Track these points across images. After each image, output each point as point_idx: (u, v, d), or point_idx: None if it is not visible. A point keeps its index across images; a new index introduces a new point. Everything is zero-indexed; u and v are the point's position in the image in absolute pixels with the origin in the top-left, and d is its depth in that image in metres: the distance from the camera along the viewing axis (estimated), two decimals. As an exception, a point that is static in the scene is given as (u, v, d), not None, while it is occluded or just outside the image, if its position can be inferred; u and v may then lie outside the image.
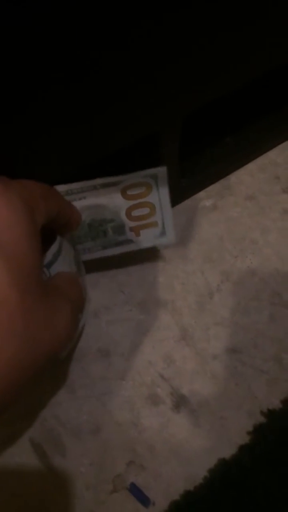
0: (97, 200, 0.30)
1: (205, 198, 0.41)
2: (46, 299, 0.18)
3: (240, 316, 0.34)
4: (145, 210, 0.32)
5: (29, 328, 0.17)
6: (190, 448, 0.29)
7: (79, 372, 0.31)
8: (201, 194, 0.41)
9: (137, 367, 0.32)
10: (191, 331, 0.33)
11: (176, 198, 0.39)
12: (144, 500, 0.27)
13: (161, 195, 0.32)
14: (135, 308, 0.35)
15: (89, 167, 0.29)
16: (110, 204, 0.31)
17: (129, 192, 0.31)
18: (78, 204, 0.30)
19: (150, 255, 0.37)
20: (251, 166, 0.43)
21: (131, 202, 0.32)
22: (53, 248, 0.27)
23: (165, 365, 0.32)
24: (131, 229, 0.33)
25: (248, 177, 0.42)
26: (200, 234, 0.38)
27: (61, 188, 0.29)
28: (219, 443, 0.29)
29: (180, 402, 0.30)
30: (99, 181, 0.29)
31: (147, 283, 0.36)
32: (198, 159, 0.41)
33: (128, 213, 0.32)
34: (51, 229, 0.23)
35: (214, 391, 0.31)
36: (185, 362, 0.32)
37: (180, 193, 0.40)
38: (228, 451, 0.29)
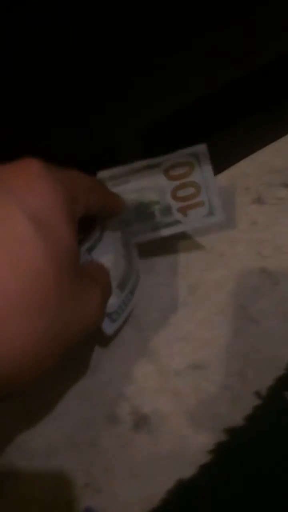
0: (141, 183, 0.31)
1: (173, 210, 0.40)
2: (80, 280, 0.19)
3: (204, 331, 0.33)
4: (190, 190, 0.33)
5: (62, 304, 0.17)
6: (149, 469, 0.28)
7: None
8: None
9: (96, 385, 0.31)
10: (154, 347, 0.33)
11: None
12: (100, 524, 0.26)
13: (204, 174, 0.32)
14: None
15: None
16: (154, 186, 0.32)
17: (172, 173, 0.32)
18: (123, 188, 0.31)
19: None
20: (221, 177, 0.43)
21: (175, 183, 0.32)
22: (95, 234, 0.27)
23: (126, 383, 0.31)
24: (178, 210, 0.33)
25: (217, 188, 0.42)
26: (166, 247, 0.37)
27: (105, 174, 0.30)
28: (179, 463, 0.28)
29: (140, 421, 0.30)
30: (140, 163, 0.30)
31: (111, 298, 0.35)
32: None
33: (173, 194, 0.32)
34: (93, 215, 0.24)
35: (176, 409, 0.30)
36: (147, 379, 0.31)
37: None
38: (188, 471, 0.28)
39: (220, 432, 0.29)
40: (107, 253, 0.28)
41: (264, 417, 0.29)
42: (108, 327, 0.29)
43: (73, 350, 0.19)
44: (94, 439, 0.29)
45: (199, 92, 0.32)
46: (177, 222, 0.33)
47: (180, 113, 0.36)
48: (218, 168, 0.43)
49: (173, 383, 0.31)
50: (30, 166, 0.19)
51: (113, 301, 0.29)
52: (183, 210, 0.33)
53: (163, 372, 0.31)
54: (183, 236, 0.39)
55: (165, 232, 0.34)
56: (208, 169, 0.32)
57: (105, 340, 0.33)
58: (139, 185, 0.32)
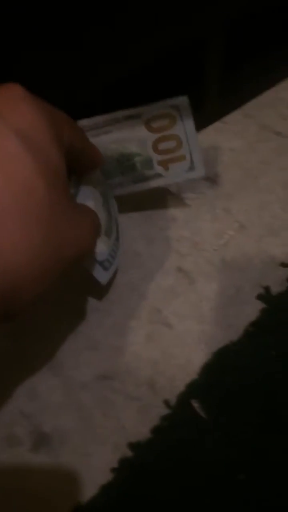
0: (122, 134, 0.31)
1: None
2: (71, 206, 0.20)
3: (115, 338, 0.31)
4: (172, 144, 0.32)
5: (57, 220, 0.18)
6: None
7: None
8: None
9: (-5, 404, 0.29)
10: (61, 359, 0.31)
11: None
12: None
13: (186, 127, 0.31)
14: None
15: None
16: (136, 138, 0.31)
17: (153, 125, 0.31)
18: (104, 138, 0.30)
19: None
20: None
21: (156, 135, 0.31)
22: (71, 185, 0.26)
23: (28, 399, 0.29)
24: (159, 163, 0.32)
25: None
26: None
27: (85, 122, 0.29)
28: (81, 484, 0.26)
29: (40, 441, 0.28)
30: (121, 113, 0.30)
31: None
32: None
33: (154, 147, 0.32)
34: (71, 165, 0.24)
35: (79, 424, 0.28)
36: (50, 394, 0.29)
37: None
38: (90, 493, 0.26)
39: (125, 448, 0.27)
40: (88, 201, 0.27)
41: (170, 428, 0.27)
42: (102, 276, 0.28)
43: (68, 272, 0.19)
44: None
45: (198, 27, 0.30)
46: (158, 175, 0.33)
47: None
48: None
49: (77, 396, 0.29)
50: (15, 90, 0.19)
51: (102, 248, 0.28)
52: (164, 164, 0.32)
53: (68, 385, 0.29)
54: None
55: (146, 185, 0.33)
56: (189, 122, 0.31)
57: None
58: (120, 136, 0.31)
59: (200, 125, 0.43)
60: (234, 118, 0.45)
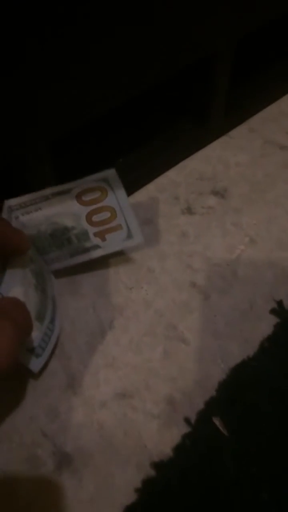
0: (54, 209, 0.30)
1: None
2: None
3: (132, 355, 0.32)
4: (106, 214, 0.32)
5: None
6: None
7: None
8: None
9: (16, 424, 0.28)
10: (80, 377, 0.31)
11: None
12: None
13: (118, 198, 0.31)
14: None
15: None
16: (68, 212, 0.31)
17: (84, 198, 0.30)
18: (35, 216, 0.30)
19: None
20: (150, 187, 0.41)
21: (89, 208, 0.31)
22: None
23: (49, 420, 0.29)
24: (96, 234, 0.32)
25: (146, 199, 0.40)
26: (92, 265, 0.35)
27: (12, 202, 0.28)
28: (104, 505, 0.26)
29: (62, 462, 0.27)
30: (49, 190, 0.29)
31: (33, 326, 0.33)
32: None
33: (88, 219, 0.31)
34: None
35: (101, 444, 0.28)
36: (71, 414, 0.29)
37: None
38: (114, 514, 0.26)
39: (148, 467, 0.27)
40: (15, 287, 0.26)
41: (192, 446, 0.27)
42: (33, 364, 0.27)
43: None
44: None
45: (115, 99, 0.30)
46: (96, 246, 0.33)
47: (93, 126, 0.34)
48: (146, 178, 0.41)
49: (98, 415, 0.29)
50: None
51: (34, 334, 0.27)
52: (101, 235, 0.32)
53: (88, 404, 0.29)
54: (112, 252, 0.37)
55: (84, 257, 0.33)
56: (121, 192, 0.31)
57: (25, 372, 0.30)
58: (51, 212, 0.30)
59: (207, 140, 0.44)
60: (240, 132, 0.46)
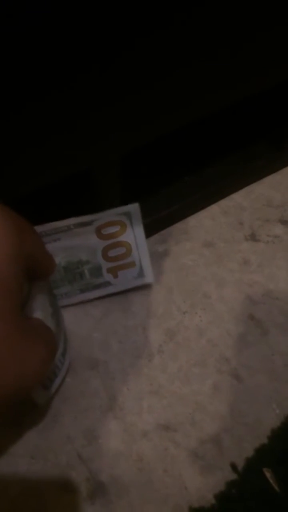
0: (72, 241, 0.29)
1: (158, 242, 0.37)
2: (22, 332, 0.18)
3: (179, 385, 0.30)
4: (122, 250, 0.31)
5: None
6: None
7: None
8: (154, 237, 0.37)
9: (52, 442, 0.27)
10: (122, 400, 0.29)
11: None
12: None
13: (136, 234, 0.31)
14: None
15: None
16: (85, 245, 0.30)
17: (103, 232, 0.30)
18: (52, 246, 0.29)
19: (86, 302, 0.33)
20: (215, 208, 0.40)
21: (107, 242, 0.31)
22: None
23: (86, 442, 0.27)
24: (108, 270, 0.31)
25: (209, 220, 0.39)
26: (145, 284, 0.34)
27: (36, 229, 0.27)
28: None
29: (96, 490, 0.26)
30: (72, 220, 0.28)
31: (79, 337, 0.31)
32: (151, 199, 0.37)
33: (104, 254, 0.31)
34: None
35: (138, 478, 0.26)
36: (109, 439, 0.28)
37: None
38: None
39: (186, 511, 0.25)
40: (36, 311, 0.24)
41: (238, 497, 0.25)
42: (40, 396, 0.25)
43: (7, 402, 0.17)
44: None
45: (189, 116, 0.29)
46: (106, 283, 0.32)
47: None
48: (211, 199, 0.39)
49: (138, 445, 0.27)
50: None
51: None
52: (114, 271, 0.31)
53: (128, 431, 0.28)
54: (166, 270, 0.35)
55: (94, 294, 0.32)
56: (139, 229, 0.31)
57: (66, 389, 0.29)
58: (69, 244, 0.29)
59: (279, 165, 0.41)
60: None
